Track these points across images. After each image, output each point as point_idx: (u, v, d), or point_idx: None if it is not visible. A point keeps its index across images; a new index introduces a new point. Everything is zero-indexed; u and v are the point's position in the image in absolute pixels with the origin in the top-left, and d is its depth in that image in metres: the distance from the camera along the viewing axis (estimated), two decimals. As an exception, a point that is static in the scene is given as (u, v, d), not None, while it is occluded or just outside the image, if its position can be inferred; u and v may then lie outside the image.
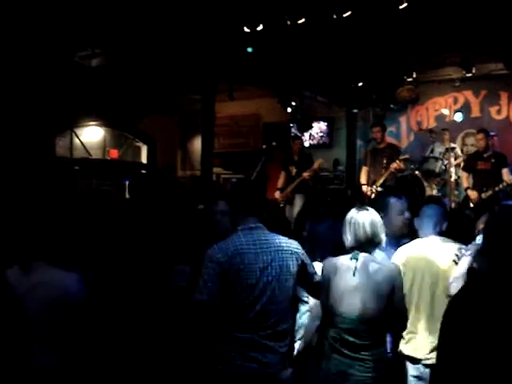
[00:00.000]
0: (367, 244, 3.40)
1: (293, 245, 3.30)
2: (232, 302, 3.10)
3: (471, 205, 8.31)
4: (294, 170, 9.66)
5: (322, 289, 3.45)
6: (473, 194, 8.39)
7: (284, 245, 3.25)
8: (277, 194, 9.63)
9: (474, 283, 2.63)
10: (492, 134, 9.06)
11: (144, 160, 13.63)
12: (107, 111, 11.89)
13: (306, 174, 9.38)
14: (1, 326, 2.58)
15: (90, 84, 10.35)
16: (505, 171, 8.28)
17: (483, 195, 8.22)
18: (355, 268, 3.34)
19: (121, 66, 9.89)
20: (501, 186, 8.13)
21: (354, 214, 3.45)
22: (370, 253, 3.42)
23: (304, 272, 3.31)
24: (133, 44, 8.70)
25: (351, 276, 3.34)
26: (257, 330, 3.10)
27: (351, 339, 3.27)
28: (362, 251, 3.39)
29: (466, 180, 8.79)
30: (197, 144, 13.54)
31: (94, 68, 9.71)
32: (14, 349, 2.64)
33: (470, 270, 3.39)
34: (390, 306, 3.32)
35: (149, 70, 10.00)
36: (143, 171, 12.77)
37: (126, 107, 11.97)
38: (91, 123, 12.48)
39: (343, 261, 3.43)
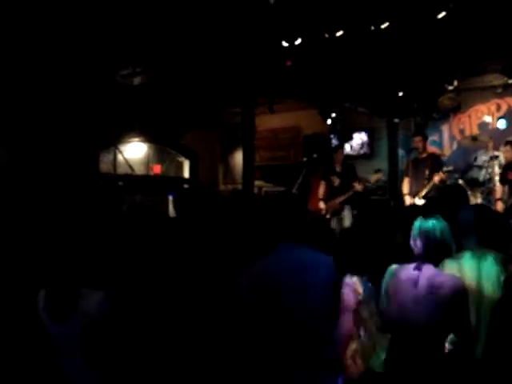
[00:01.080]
0: (436, 253, 3.37)
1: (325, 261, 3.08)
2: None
3: None
4: (336, 181, 9.57)
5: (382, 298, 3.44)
6: (500, 205, 8.31)
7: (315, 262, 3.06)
8: (322, 205, 9.56)
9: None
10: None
11: (186, 175, 13.80)
12: (149, 127, 12.12)
13: (359, 187, 9.27)
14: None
15: (133, 101, 10.56)
16: None
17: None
18: (417, 278, 3.31)
19: (161, 83, 10.06)
20: None
21: (423, 222, 3.41)
22: (437, 263, 3.37)
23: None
24: (173, 61, 8.84)
25: (413, 287, 3.30)
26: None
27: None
28: (428, 261, 3.35)
29: (499, 191, 8.65)
30: (238, 158, 13.64)
31: (135, 86, 9.90)
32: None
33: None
34: (451, 320, 3.25)
35: (189, 85, 10.14)
36: (186, 186, 12.94)
37: (168, 123, 12.17)
38: (134, 139, 12.72)
39: (405, 270, 3.40)
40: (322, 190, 9.76)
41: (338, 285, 3.25)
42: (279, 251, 3.08)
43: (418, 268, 3.32)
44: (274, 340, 2.93)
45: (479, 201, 9.50)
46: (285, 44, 7.53)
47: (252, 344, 2.96)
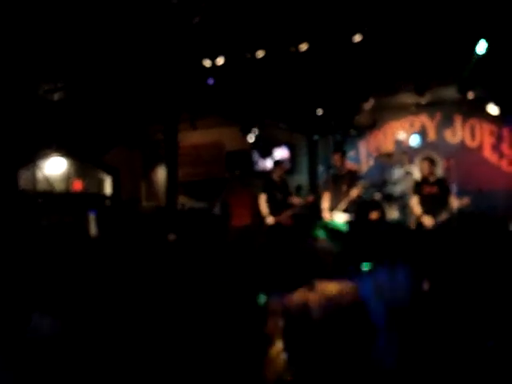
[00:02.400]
0: None
1: None
2: None
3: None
4: (279, 195, 9.58)
5: None
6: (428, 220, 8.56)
7: None
8: (271, 220, 9.36)
9: None
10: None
11: (108, 191, 13.64)
12: (71, 143, 11.93)
13: (310, 198, 9.26)
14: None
15: (54, 117, 10.39)
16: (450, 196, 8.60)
17: (437, 220, 8.42)
18: None
19: (83, 99, 9.97)
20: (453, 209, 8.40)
21: None
22: None
23: None
24: (95, 77, 8.80)
25: None
26: None
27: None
28: None
29: (417, 206, 8.90)
30: (160, 174, 13.64)
31: (57, 101, 9.77)
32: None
33: None
34: None
35: (111, 101, 10.10)
36: (108, 203, 12.78)
37: (90, 139, 12.02)
38: (55, 155, 12.49)
39: None
40: (264, 205, 9.39)
41: None
42: None
43: None
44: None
45: (395, 215, 9.87)
46: (207, 63, 7.65)
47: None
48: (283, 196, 9.46)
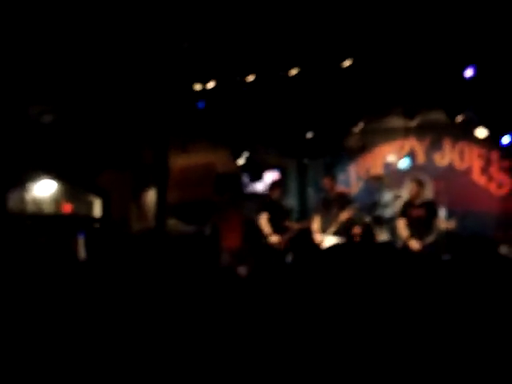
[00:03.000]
0: None
1: None
2: None
3: None
4: (279, 214, 9.55)
5: None
6: (414, 243, 8.59)
7: None
8: (276, 239, 9.28)
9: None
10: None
11: (98, 214, 13.57)
12: (60, 166, 11.89)
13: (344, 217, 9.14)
14: None
15: (44, 139, 10.37)
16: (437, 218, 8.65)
17: (424, 243, 8.46)
18: None
19: (74, 122, 9.98)
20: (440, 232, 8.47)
21: None
22: None
23: None
24: (86, 100, 8.82)
25: None
26: None
27: None
28: None
29: (405, 229, 8.94)
30: (150, 197, 13.58)
31: (48, 124, 9.77)
32: None
33: None
34: None
35: (102, 124, 10.11)
36: (97, 225, 12.72)
37: (80, 162, 11.99)
38: (44, 177, 12.43)
39: None
40: (267, 224, 9.40)
41: None
42: None
43: None
44: None
45: (385, 237, 9.90)
46: (198, 87, 7.69)
47: None
48: (281, 217, 9.48)
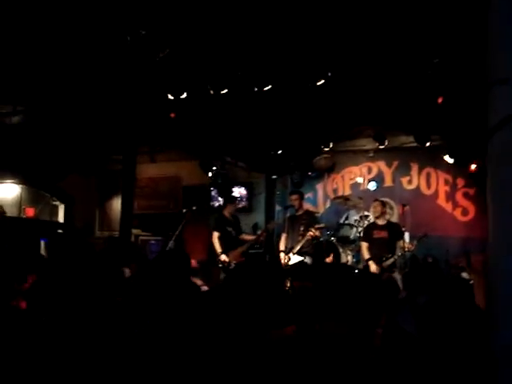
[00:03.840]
0: None
1: None
2: None
3: None
4: (232, 231, 9.54)
5: None
6: (373, 266, 8.65)
7: None
8: (224, 257, 9.21)
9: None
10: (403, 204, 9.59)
11: (61, 219, 13.36)
12: (25, 169, 11.67)
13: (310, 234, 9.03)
14: None
15: (9, 141, 10.18)
16: (400, 241, 8.72)
17: (384, 264, 8.52)
18: None
19: (41, 125, 9.82)
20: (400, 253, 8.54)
21: None
22: None
23: None
24: (55, 104, 8.69)
25: None
26: None
27: None
28: None
29: (366, 250, 9.02)
30: (115, 204, 13.43)
31: (13, 125, 9.60)
32: None
33: None
34: None
35: (69, 129, 9.97)
36: (60, 231, 12.51)
37: (45, 166, 11.80)
38: (7, 180, 12.21)
39: None
40: (218, 242, 9.41)
41: None
42: None
43: None
44: None
45: (349, 258, 9.92)
46: (170, 97, 7.64)
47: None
48: (236, 233, 9.48)
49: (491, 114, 2.56)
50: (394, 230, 8.88)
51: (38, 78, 7.73)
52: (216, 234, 9.44)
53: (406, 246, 8.60)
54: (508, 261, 2.58)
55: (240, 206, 12.67)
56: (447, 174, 11.03)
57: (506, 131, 2.43)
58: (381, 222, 8.96)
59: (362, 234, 9.53)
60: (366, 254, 8.89)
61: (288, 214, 9.60)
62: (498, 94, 2.45)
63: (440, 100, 7.83)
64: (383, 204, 9.13)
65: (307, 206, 10.95)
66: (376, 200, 9.22)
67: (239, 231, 9.59)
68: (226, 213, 9.68)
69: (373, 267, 8.55)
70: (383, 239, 8.79)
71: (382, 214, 9.02)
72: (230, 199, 10.29)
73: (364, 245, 9.03)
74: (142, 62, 6.90)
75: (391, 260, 8.49)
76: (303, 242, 8.88)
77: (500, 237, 2.65)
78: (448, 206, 11.00)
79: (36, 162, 11.55)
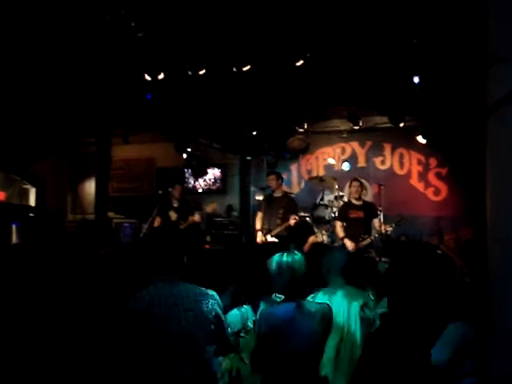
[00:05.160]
0: (300, 287, 3.58)
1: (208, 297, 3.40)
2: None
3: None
4: (174, 215, 9.52)
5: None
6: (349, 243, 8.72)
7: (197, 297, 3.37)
8: None
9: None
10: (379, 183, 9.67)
11: (32, 203, 13.18)
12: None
13: (196, 218, 9.29)
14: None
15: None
16: (375, 221, 8.80)
17: (360, 244, 8.60)
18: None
19: (11, 106, 9.62)
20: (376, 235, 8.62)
21: (287, 257, 3.60)
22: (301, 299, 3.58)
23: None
24: (25, 85, 8.52)
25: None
26: None
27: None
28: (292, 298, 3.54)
29: (340, 229, 9.06)
30: (88, 187, 13.32)
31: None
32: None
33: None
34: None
35: (41, 111, 9.80)
36: (31, 214, 12.34)
37: (15, 149, 11.60)
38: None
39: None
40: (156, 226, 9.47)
41: (212, 313, 3.39)
42: (156, 285, 3.35)
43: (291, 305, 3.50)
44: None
45: (325, 238, 9.99)
46: (147, 77, 7.56)
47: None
48: (178, 216, 9.41)
49: (490, 92, 2.58)
50: (370, 210, 8.95)
51: (6, 57, 7.56)
52: (157, 219, 9.50)
53: (383, 228, 8.68)
54: (508, 248, 2.58)
55: (214, 187, 12.71)
56: (420, 154, 11.18)
57: (507, 111, 2.45)
58: (357, 201, 9.00)
59: (337, 214, 9.58)
60: (340, 233, 8.92)
61: (266, 195, 9.60)
62: (496, 72, 2.47)
63: (415, 80, 7.89)
64: (361, 184, 9.17)
65: (284, 187, 11.00)
66: (355, 179, 9.24)
67: (184, 215, 9.48)
68: (172, 198, 9.59)
69: (349, 244, 8.60)
70: (359, 219, 8.84)
71: (359, 194, 9.08)
72: (170, 185, 10.14)
73: (338, 224, 9.04)
74: (120, 42, 6.81)
75: (368, 241, 8.56)
76: (284, 226, 8.84)
77: (500, 224, 2.66)
78: (420, 186, 11.17)
79: (6, 146, 11.35)
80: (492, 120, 2.54)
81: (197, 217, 9.44)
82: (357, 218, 8.89)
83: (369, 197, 10.93)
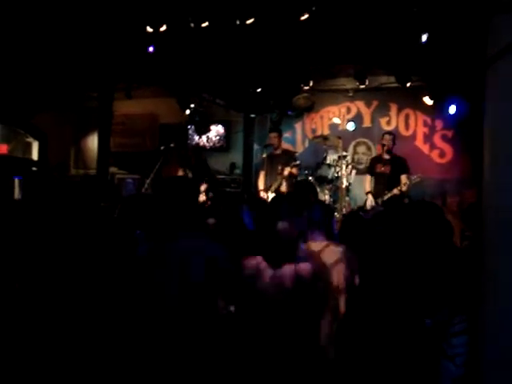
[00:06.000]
0: None
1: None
2: None
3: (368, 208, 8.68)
4: (189, 174, 9.58)
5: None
6: (369, 199, 8.77)
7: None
8: None
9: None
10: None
11: (35, 157, 13.13)
12: (-4, 104, 11.37)
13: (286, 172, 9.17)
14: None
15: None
16: (403, 177, 8.72)
17: (379, 200, 8.59)
18: None
19: (12, 59, 9.50)
20: (396, 191, 8.55)
21: None
22: None
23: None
24: (26, 37, 8.39)
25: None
26: None
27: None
28: None
29: (368, 183, 9.15)
30: (91, 142, 13.23)
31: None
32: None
33: None
34: None
35: (43, 64, 9.67)
36: (34, 168, 12.30)
37: (18, 101, 11.50)
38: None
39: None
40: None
41: (225, 271, 3.47)
42: (177, 237, 3.49)
43: None
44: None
45: (327, 197, 9.93)
46: (149, 30, 7.42)
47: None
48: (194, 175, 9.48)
49: (492, 43, 2.48)
50: (399, 165, 8.87)
51: (8, 11, 7.43)
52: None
53: (400, 187, 8.63)
54: (504, 203, 2.51)
55: (218, 144, 12.62)
56: (426, 115, 11.03)
57: (506, 62, 2.36)
58: (386, 155, 8.93)
59: (367, 167, 9.73)
60: (367, 187, 9.03)
61: (267, 153, 9.55)
62: (499, 22, 2.37)
63: (423, 38, 7.73)
64: (394, 137, 9.12)
65: (286, 145, 10.91)
66: (387, 132, 9.22)
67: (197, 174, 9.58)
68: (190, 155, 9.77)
69: (369, 201, 8.67)
70: (385, 174, 8.81)
71: (390, 147, 9.00)
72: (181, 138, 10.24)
73: (367, 178, 9.14)
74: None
75: (388, 196, 8.57)
76: (280, 180, 8.87)
77: (497, 178, 2.58)
78: (425, 148, 11.05)
79: (8, 98, 11.25)
80: (490, 71, 2.45)
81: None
82: (383, 172, 8.86)
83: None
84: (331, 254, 4.07)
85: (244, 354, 3.63)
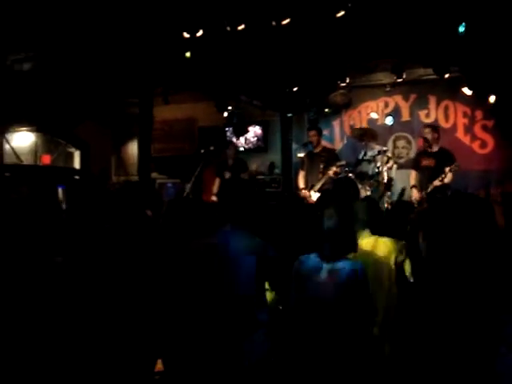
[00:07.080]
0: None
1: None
2: None
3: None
4: (227, 175, 9.68)
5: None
6: (415, 193, 8.75)
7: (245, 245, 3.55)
8: (215, 199, 9.64)
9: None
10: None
11: (77, 166, 13.38)
12: (39, 116, 11.62)
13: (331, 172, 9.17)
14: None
15: (23, 88, 10.09)
16: (447, 169, 8.65)
17: (423, 193, 8.55)
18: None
19: (54, 70, 9.69)
20: (437, 182, 8.47)
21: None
22: None
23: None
24: (67, 48, 8.55)
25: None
26: None
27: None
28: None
29: (413, 177, 9.11)
30: (131, 149, 13.41)
31: (27, 73, 9.48)
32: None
33: None
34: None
35: (83, 74, 9.84)
36: (77, 177, 12.52)
37: (59, 112, 11.73)
38: (23, 128, 12.18)
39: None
40: (216, 186, 10.04)
41: (268, 263, 3.60)
42: (221, 233, 3.68)
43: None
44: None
45: (368, 193, 9.89)
46: (186, 35, 7.48)
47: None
48: (232, 175, 9.65)
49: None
50: (444, 157, 8.80)
51: (49, 22, 7.58)
52: (217, 179, 10.12)
53: (441, 177, 8.57)
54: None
55: (256, 145, 12.66)
56: (466, 106, 10.90)
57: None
58: (431, 148, 8.88)
59: (412, 162, 9.68)
60: (412, 180, 9.00)
61: (306, 151, 9.55)
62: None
63: (460, 29, 7.65)
64: (435, 129, 9.06)
65: (324, 143, 10.88)
66: (427, 126, 9.19)
67: (236, 174, 9.72)
68: (227, 157, 9.90)
69: (414, 194, 8.65)
70: (429, 167, 8.77)
71: (434, 140, 8.95)
72: (225, 145, 10.47)
73: (412, 172, 9.11)
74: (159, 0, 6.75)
75: (430, 188, 8.53)
76: (324, 179, 8.85)
77: None
78: (466, 139, 10.91)
79: (50, 109, 11.48)
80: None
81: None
82: (427, 166, 8.81)
83: (413, 151, 10.79)
84: (382, 247, 4.11)
85: (297, 351, 3.66)
